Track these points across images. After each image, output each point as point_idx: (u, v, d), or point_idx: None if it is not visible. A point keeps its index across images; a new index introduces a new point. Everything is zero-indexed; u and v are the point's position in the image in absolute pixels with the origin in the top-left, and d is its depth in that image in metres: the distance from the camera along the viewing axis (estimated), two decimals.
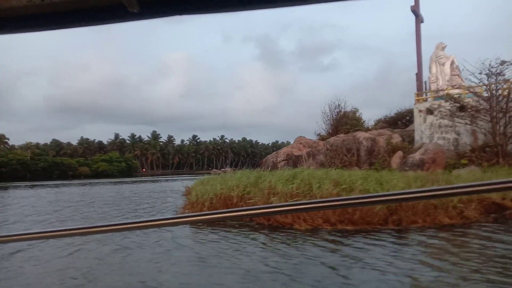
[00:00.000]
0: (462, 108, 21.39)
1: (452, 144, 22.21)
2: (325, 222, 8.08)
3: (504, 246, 6.48)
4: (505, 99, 18.85)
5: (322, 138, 26.62)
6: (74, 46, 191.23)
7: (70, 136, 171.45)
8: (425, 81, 27.68)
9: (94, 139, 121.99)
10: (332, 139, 24.86)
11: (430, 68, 27.11)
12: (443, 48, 27.21)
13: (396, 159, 21.52)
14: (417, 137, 24.17)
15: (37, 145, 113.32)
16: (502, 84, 19.81)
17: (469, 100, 21.34)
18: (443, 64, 26.41)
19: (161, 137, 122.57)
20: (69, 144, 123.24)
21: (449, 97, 20.83)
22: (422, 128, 23.89)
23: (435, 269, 5.59)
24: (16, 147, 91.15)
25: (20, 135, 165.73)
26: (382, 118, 31.45)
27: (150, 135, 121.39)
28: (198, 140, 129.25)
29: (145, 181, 46.36)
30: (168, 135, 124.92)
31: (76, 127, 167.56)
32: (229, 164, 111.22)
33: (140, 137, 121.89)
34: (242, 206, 8.67)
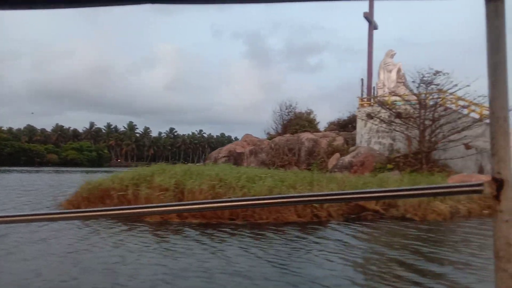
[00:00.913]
0: (399, 115, 22.18)
1: (387, 149, 23.00)
2: (178, 216, 8.33)
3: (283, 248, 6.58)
4: (433, 108, 19.65)
5: (271, 137, 27.17)
6: (61, 31, 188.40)
7: (52, 122, 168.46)
8: (374, 87, 28.51)
9: (69, 127, 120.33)
10: (277, 139, 25.43)
11: (378, 74, 27.95)
12: (392, 56, 28.07)
13: (333, 160, 22.18)
14: (357, 140, 24.94)
15: (9, 130, 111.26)
16: (434, 94, 20.66)
17: (407, 107, 22.15)
18: (390, 71, 27.26)
19: (137, 128, 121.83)
20: (43, 130, 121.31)
21: (382, 104, 21.58)
22: (362, 132, 24.64)
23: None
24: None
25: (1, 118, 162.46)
26: (335, 121, 32.17)
27: (126, 126, 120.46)
28: (175, 133, 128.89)
29: (107, 171, 46.02)
30: (145, 126, 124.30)
31: (58, 114, 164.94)
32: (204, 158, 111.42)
33: (116, 127, 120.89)
34: (121, 204, 8.89)
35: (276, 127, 28.34)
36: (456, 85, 21.37)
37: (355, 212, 9.32)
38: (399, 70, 27.12)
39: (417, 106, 20.29)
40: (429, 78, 20.49)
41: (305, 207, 8.24)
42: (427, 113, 19.78)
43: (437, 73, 22.26)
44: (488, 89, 0.70)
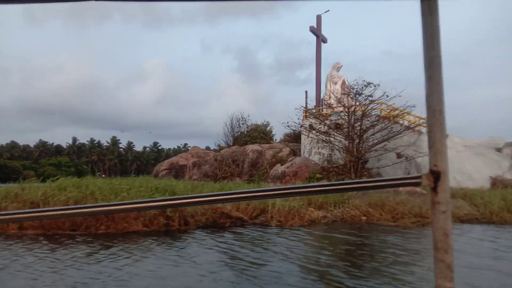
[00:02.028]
0: (330, 126, 22.76)
1: (325, 159, 23.54)
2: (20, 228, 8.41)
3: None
4: (360, 118, 20.27)
5: (220, 149, 27.61)
6: (49, 47, 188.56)
7: (43, 138, 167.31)
8: (322, 98, 29.19)
9: (53, 143, 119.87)
10: (223, 151, 25.89)
11: (325, 86, 28.69)
12: (338, 68, 28.86)
13: (274, 171, 22.66)
14: (301, 151, 25.49)
15: None
16: (364, 104, 21.29)
17: (345, 118, 22.76)
18: (336, 83, 28.00)
19: (121, 143, 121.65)
20: (26, 146, 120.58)
21: (315, 116, 22.18)
22: (305, 143, 25.21)
23: None
24: None
25: None
26: (290, 133, 32.68)
27: (109, 141, 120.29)
28: (159, 148, 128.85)
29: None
30: (128, 141, 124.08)
31: (46, 130, 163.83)
32: None
33: (99, 142, 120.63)
34: None
35: (226, 140, 28.83)
36: (387, 96, 22.17)
37: (216, 219, 9.71)
38: (343, 83, 27.89)
39: (346, 117, 20.92)
40: (359, 89, 21.17)
41: (157, 216, 8.63)
42: (355, 124, 20.39)
43: (368, 84, 23.06)
44: (424, 83, 0.72)
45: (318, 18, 29.77)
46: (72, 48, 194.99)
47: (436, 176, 0.69)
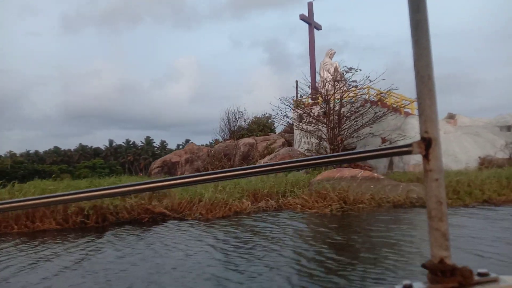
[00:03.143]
0: (325, 114, 22.61)
1: (314, 148, 23.44)
2: None
3: None
4: (338, 105, 20.06)
5: (216, 144, 28.13)
6: (86, 54, 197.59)
7: (83, 142, 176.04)
8: (317, 87, 28.91)
9: (92, 146, 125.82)
10: (217, 145, 26.42)
11: (319, 74, 28.39)
12: (331, 55, 28.49)
13: (257, 163, 22.90)
14: (294, 141, 25.51)
15: (36, 153, 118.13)
16: (344, 92, 21.01)
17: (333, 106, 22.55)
18: (328, 71, 27.66)
19: (154, 143, 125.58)
20: (68, 151, 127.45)
21: (296, 105, 22.14)
22: (297, 133, 25.19)
23: None
24: (17, 155, 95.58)
25: (34, 142, 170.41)
26: (289, 123, 32.66)
27: (143, 140, 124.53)
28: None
29: None
30: (161, 140, 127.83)
31: (88, 133, 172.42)
32: None
33: (134, 142, 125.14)
34: None
35: (223, 134, 29.31)
36: (370, 80, 21.73)
37: (140, 215, 10.16)
38: (335, 69, 27.47)
39: (325, 105, 20.75)
40: (337, 76, 20.90)
41: (75, 213, 9.23)
42: (333, 111, 20.18)
43: (350, 69, 22.66)
44: (411, 48, 0.70)
45: (310, 5, 29.42)
46: (107, 53, 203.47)
47: (427, 143, 0.69)
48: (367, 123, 20.20)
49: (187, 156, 25.01)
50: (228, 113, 29.38)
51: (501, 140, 21.11)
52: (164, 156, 27.71)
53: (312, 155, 22.08)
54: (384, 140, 21.24)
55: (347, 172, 14.81)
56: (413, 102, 23.25)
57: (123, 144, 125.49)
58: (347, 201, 11.22)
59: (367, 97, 22.75)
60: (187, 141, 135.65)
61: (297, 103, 22.52)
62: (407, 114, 22.25)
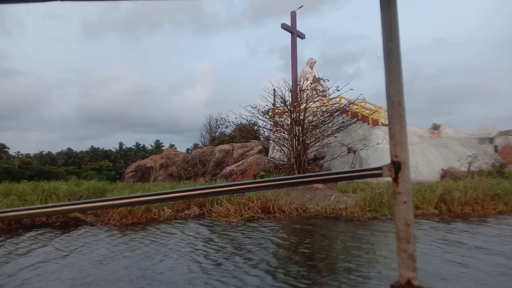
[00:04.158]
0: (276, 124, 22.76)
1: (286, 156, 23.64)
2: None
3: None
4: (301, 115, 20.25)
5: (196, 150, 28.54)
6: (104, 58, 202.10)
7: (100, 144, 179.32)
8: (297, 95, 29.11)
9: (103, 148, 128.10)
10: (194, 151, 26.85)
11: (299, 83, 28.60)
12: (312, 64, 28.73)
13: (224, 170, 23.25)
14: (269, 149, 25.74)
15: (48, 154, 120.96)
16: (309, 102, 21.20)
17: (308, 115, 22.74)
18: (307, 79, 27.87)
19: (163, 146, 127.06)
20: (80, 153, 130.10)
21: (270, 114, 22.42)
22: (272, 140, 25.43)
23: None
24: (22, 155, 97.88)
25: (53, 144, 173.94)
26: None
27: (153, 144, 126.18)
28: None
29: None
30: (170, 144, 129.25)
31: (106, 136, 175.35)
32: None
33: (144, 146, 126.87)
34: None
35: (203, 140, 29.68)
36: (338, 90, 21.89)
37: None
38: (314, 78, 27.67)
39: (287, 114, 20.95)
40: (307, 87, 21.11)
41: None
42: (297, 118, 20.35)
43: (319, 79, 22.86)
44: (384, 75, 0.73)
45: (293, 14, 29.64)
46: (126, 59, 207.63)
47: (397, 166, 0.70)
48: (332, 133, 20.34)
49: (162, 161, 25.50)
50: (210, 119, 29.81)
51: (470, 153, 20.93)
52: (146, 159, 28.25)
53: (282, 162, 22.32)
54: (349, 150, 21.33)
55: None
56: (378, 111, 23.25)
57: (133, 147, 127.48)
58: (269, 211, 11.46)
59: (338, 106, 22.89)
60: (196, 145, 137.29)
61: (266, 112, 22.77)
62: (375, 124, 22.26)
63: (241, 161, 22.17)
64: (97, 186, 15.61)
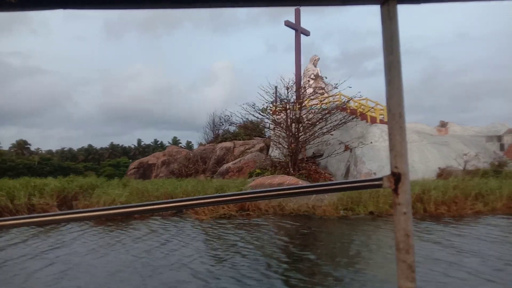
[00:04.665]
0: (298, 120, 22.78)
1: (284, 154, 23.64)
2: None
3: None
4: (297, 113, 20.21)
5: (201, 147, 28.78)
6: (126, 57, 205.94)
7: (121, 141, 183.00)
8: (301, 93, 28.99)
9: (122, 144, 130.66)
10: (196, 149, 27.15)
11: (302, 80, 28.49)
12: (315, 61, 28.55)
13: (221, 168, 23.43)
14: (271, 147, 25.77)
15: (70, 150, 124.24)
16: (304, 100, 21.14)
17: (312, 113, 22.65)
18: (310, 77, 27.73)
19: (180, 143, 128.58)
20: (100, 149, 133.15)
21: (263, 111, 22.46)
22: (273, 138, 25.46)
23: None
24: (42, 151, 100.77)
25: (76, 141, 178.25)
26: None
27: (171, 141, 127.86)
28: None
29: None
30: (187, 140, 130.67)
31: (126, 133, 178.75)
32: None
33: (161, 142, 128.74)
34: None
35: (207, 138, 29.93)
36: (336, 87, 21.77)
37: None
38: (317, 75, 27.53)
39: (282, 114, 20.93)
40: (303, 84, 21.05)
41: None
42: (295, 116, 20.29)
43: (316, 77, 22.74)
44: (385, 87, 0.73)
45: (297, 11, 29.47)
46: (146, 57, 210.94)
47: (397, 178, 0.71)
48: (328, 130, 20.24)
49: (164, 158, 25.89)
50: (214, 116, 30.01)
51: (471, 151, 20.48)
52: (149, 156, 28.75)
53: (277, 160, 22.36)
54: (346, 148, 21.17)
55: (277, 179, 15.10)
56: (376, 108, 22.96)
57: (151, 144, 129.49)
58: (244, 208, 11.59)
59: (336, 104, 22.74)
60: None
61: (264, 110, 22.80)
62: (374, 121, 22.01)
63: (239, 159, 22.31)
64: (89, 182, 16.01)
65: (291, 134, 20.24)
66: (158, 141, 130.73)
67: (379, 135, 20.00)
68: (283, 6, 0.70)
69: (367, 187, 0.78)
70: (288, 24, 29.20)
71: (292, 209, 11.40)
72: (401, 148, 0.70)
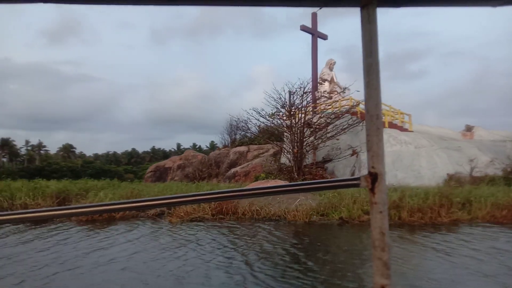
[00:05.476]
0: (308, 125, 22.75)
1: (288, 159, 23.62)
2: None
3: None
4: (301, 121, 20.15)
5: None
6: (171, 64, 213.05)
7: (164, 145, 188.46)
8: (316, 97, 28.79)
9: (163, 148, 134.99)
10: (212, 153, 27.72)
11: (318, 84, 28.31)
12: (331, 65, 28.30)
13: (229, 172, 23.79)
14: (282, 152, 25.84)
15: (114, 154, 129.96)
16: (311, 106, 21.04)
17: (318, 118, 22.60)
18: (325, 81, 27.52)
19: (218, 147, 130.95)
20: (143, 153, 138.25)
21: (271, 116, 22.59)
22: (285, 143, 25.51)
23: None
24: (86, 155, 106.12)
25: (122, 144, 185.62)
26: None
27: (208, 145, 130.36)
28: None
29: None
30: (223, 144, 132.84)
31: (170, 137, 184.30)
32: None
33: (200, 146, 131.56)
34: None
35: (224, 142, 30.34)
36: (345, 92, 21.53)
37: None
38: (332, 80, 27.28)
39: (287, 118, 20.91)
40: (307, 89, 20.92)
41: None
42: (297, 124, 20.26)
43: (323, 81, 22.57)
44: (363, 89, 0.74)
45: (313, 16, 29.39)
46: (190, 63, 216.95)
47: (373, 177, 0.72)
48: (333, 135, 20.07)
49: (180, 162, 26.67)
50: (231, 121, 30.47)
51: (486, 157, 19.51)
52: (166, 160, 29.68)
53: (283, 164, 22.39)
54: (354, 152, 20.85)
55: (269, 184, 15.23)
56: (388, 112, 22.38)
57: (190, 147, 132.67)
58: (222, 212, 11.86)
59: (346, 108, 22.47)
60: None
61: (272, 115, 22.93)
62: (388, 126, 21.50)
63: (247, 163, 22.57)
64: (94, 185, 16.88)
65: (296, 138, 20.24)
66: (196, 145, 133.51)
67: (386, 140, 19.53)
68: (265, 6, 0.72)
69: (344, 187, 0.80)
70: (303, 28, 29.13)
71: (266, 214, 11.52)
72: (378, 148, 0.73)
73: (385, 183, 0.73)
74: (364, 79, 0.73)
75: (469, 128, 28.94)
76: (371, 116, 0.72)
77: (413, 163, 18.58)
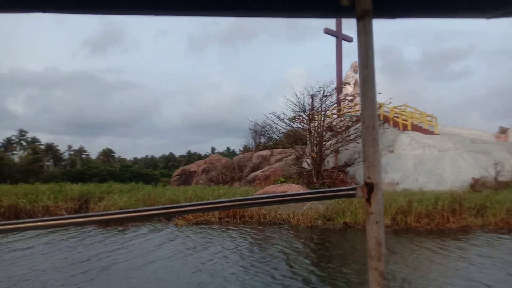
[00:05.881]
0: (330, 128, 22.57)
1: (308, 163, 23.40)
2: None
3: None
4: (320, 125, 19.99)
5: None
6: (207, 69, 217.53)
7: (200, 149, 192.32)
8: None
9: (199, 152, 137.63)
10: (236, 157, 28.02)
11: (342, 87, 27.95)
12: (356, 68, 27.88)
13: (249, 176, 23.93)
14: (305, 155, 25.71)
15: (152, 158, 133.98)
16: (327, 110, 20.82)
17: (338, 121, 22.39)
18: (349, 84, 27.14)
19: (240, 150, 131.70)
20: (180, 157, 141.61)
21: (291, 119, 22.55)
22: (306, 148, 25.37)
23: None
24: (125, 159, 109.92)
25: (161, 149, 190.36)
26: None
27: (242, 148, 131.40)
28: None
29: None
30: (248, 147, 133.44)
31: (206, 141, 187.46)
32: None
33: (233, 150, 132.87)
34: None
35: (250, 145, 30.47)
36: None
37: None
38: (356, 83, 26.86)
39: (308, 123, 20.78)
40: (327, 92, 20.72)
41: None
42: (317, 128, 20.09)
43: (344, 84, 22.29)
44: (360, 100, 0.75)
45: (338, 20, 29.08)
46: (226, 68, 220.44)
47: (369, 188, 0.72)
48: (351, 139, 19.80)
49: (205, 166, 27.15)
50: (255, 125, 30.60)
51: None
52: (186, 165, 30.25)
53: (303, 169, 22.26)
54: None
55: (282, 188, 15.31)
56: (411, 115, 21.70)
57: (224, 151, 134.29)
58: (229, 216, 12.05)
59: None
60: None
61: (292, 118, 22.89)
62: (405, 128, 20.89)
63: (267, 167, 22.66)
64: (116, 187, 17.50)
65: (315, 142, 20.12)
66: (230, 148, 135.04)
67: (408, 143, 19.05)
68: (267, 17, 0.72)
69: (340, 197, 0.80)
70: (327, 31, 28.93)
71: (272, 218, 11.58)
72: (374, 159, 0.72)
73: (382, 193, 0.73)
74: (360, 90, 0.74)
75: (503, 130, 27.55)
76: (367, 126, 0.72)
77: (436, 167, 17.95)
